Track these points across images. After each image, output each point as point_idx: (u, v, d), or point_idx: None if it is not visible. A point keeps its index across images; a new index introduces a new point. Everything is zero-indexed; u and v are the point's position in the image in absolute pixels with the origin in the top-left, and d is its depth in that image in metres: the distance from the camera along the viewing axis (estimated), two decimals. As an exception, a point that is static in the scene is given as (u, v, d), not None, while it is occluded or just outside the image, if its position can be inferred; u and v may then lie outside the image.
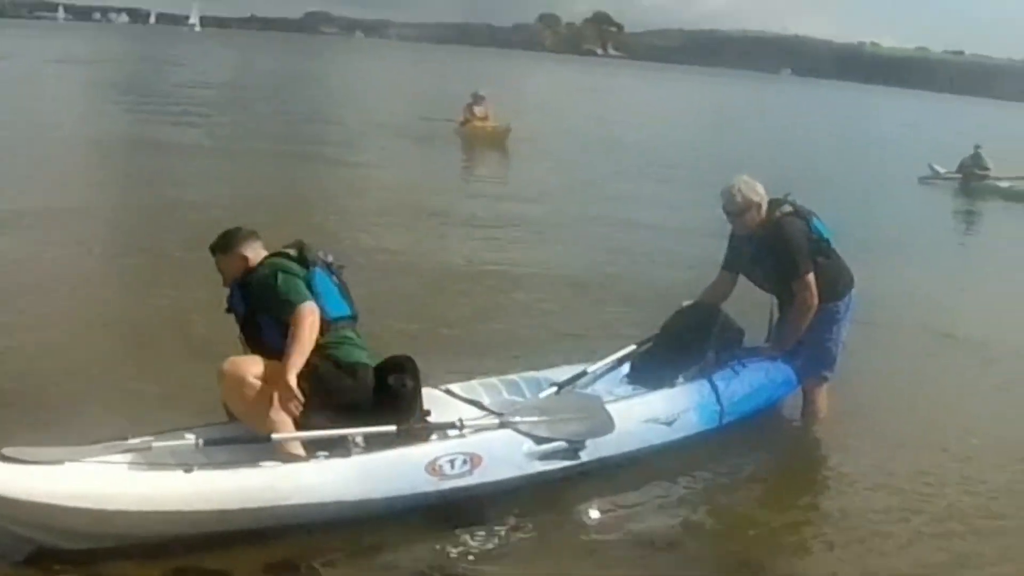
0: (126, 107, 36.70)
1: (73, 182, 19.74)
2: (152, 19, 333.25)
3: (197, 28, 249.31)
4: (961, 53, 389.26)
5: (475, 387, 8.46)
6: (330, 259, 7.63)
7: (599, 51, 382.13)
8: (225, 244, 7.50)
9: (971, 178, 32.58)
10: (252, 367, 6.92)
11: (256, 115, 37.09)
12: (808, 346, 9.10)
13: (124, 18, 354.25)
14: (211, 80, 57.09)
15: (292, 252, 7.45)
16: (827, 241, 9.08)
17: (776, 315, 9.37)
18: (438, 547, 6.68)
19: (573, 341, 10.87)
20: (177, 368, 9.07)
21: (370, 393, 7.25)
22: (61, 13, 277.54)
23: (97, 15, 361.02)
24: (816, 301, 8.87)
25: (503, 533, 6.94)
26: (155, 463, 6.44)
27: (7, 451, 6.04)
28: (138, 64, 71.57)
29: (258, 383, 6.86)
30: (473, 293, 13.41)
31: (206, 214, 14.98)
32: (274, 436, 6.75)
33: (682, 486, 7.95)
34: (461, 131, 33.83)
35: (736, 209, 8.94)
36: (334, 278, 7.54)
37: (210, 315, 7.53)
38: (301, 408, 6.85)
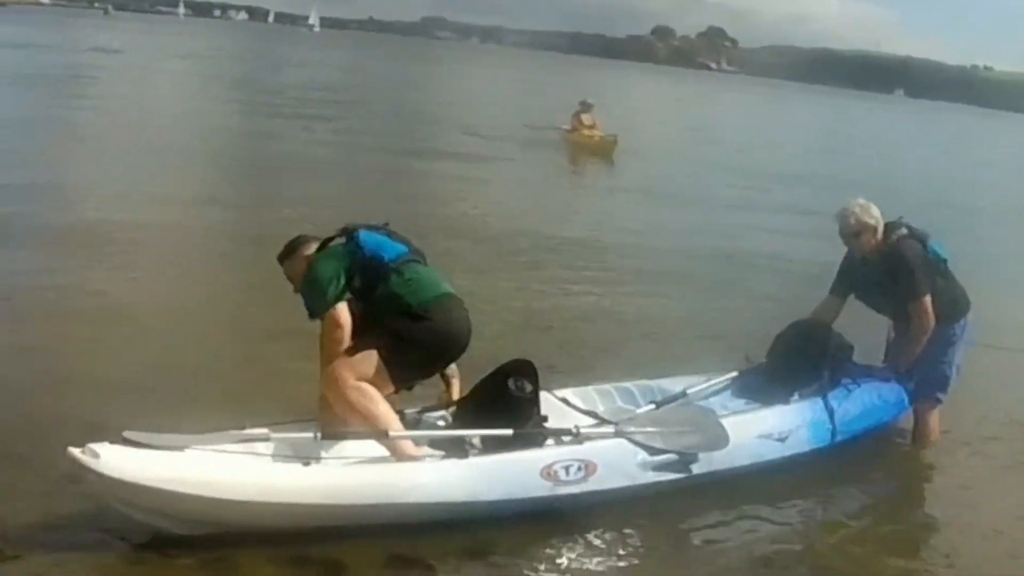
0: (242, 105, 37.33)
1: (184, 182, 20.00)
2: (271, 18, 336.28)
3: (316, 28, 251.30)
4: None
5: (590, 393, 8.49)
6: (372, 222, 7.64)
7: (712, 65, 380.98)
8: (288, 251, 7.56)
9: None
10: (349, 372, 6.94)
11: (368, 119, 37.12)
12: (922, 367, 9.09)
13: (243, 16, 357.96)
14: (328, 82, 57.46)
15: (334, 235, 7.48)
16: (944, 262, 9.09)
17: (892, 336, 9.38)
18: (550, 551, 6.77)
19: (682, 356, 10.65)
20: (290, 363, 9.27)
21: (454, 323, 7.22)
22: (182, 8, 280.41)
23: (217, 12, 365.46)
24: (933, 323, 8.85)
25: (614, 541, 6.97)
26: (274, 455, 6.60)
27: (129, 435, 6.15)
28: (257, 62, 72.37)
29: (359, 385, 6.91)
30: (579, 304, 13.47)
31: (309, 216, 15.32)
32: (391, 433, 6.80)
33: (791, 504, 7.94)
34: (568, 139, 33.49)
35: (851, 231, 8.97)
36: (380, 232, 7.53)
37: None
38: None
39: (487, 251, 15.98)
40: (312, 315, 7.15)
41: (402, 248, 7.41)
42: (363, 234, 7.37)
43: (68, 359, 9.37)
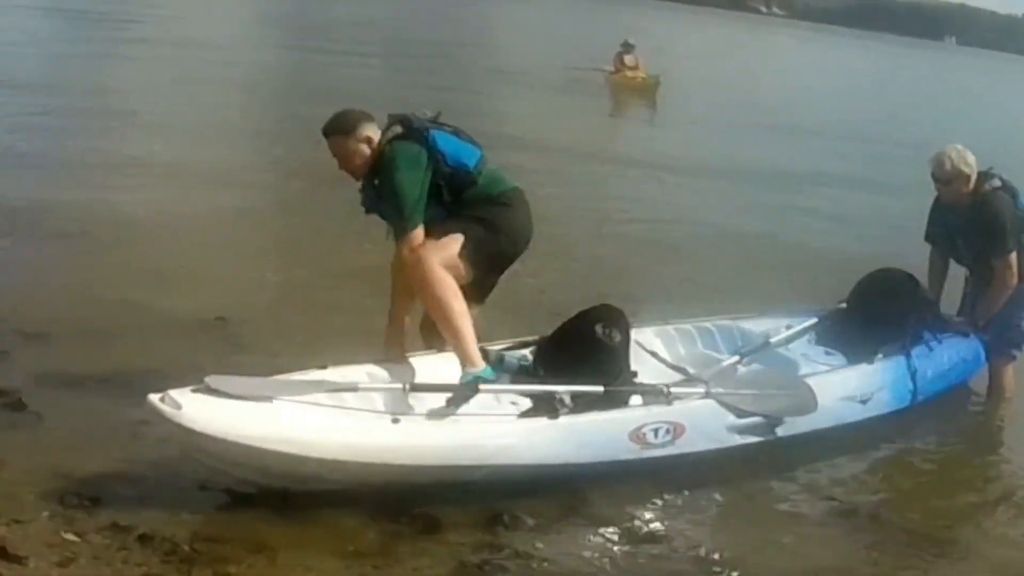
0: (283, 41, 36.88)
1: (242, 120, 19.99)
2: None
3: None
4: None
5: (670, 333, 8.41)
6: (429, 114, 7.25)
7: (763, 9, 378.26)
8: (344, 125, 7.05)
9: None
10: (434, 254, 6.78)
11: (410, 56, 36.44)
12: (999, 323, 8.95)
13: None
14: (369, 17, 56.50)
15: (400, 130, 7.03)
16: None
17: (969, 288, 9.28)
18: (642, 510, 6.64)
19: (752, 293, 10.70)
20: (362, 298, 9.07)
21: (526, 214, 7.23)
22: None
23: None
24: (1016, 281, 8.72)
25: (704, 497, 6.93)
26: (363, 409, 6.27)
27: (211, 381, 5.85)
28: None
29: (444, 276, 6.74)
30: (639, 242, 13.47)
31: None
32: (482, 387, 6.59)
33: (867, 459, 7.91)
34: (611, 80, 33.41)
35: (945, 177, 8.73)
36: (447, 129, 7.16)
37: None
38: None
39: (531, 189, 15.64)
40: (397, 222, 6.87)
41: (478, 152, 7.16)
42: (439, 139, 6.99)
43: (138, 298, 9.19)
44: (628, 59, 33.69)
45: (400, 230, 6.83)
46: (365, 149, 6.98)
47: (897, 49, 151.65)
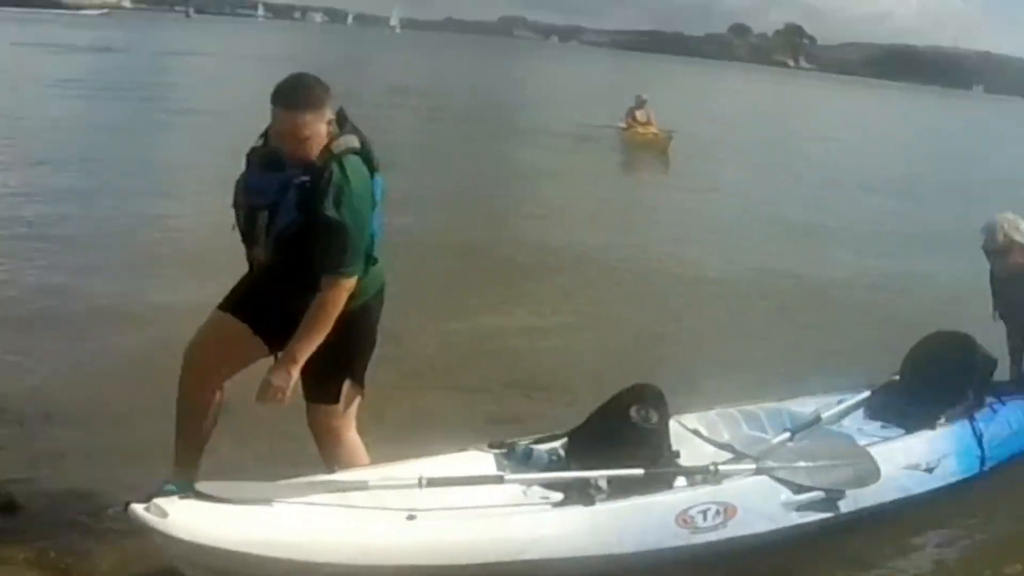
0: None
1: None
2: (350, 20, 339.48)
3: (397, 30, 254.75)
4: None
5: (713, 419, 7.79)
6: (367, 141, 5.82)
7: (790, 63, 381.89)
8: (313, 99, 5.55)
9: None
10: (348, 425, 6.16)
11: (443, 118, 37.23)
12: None
13: (321, 18, 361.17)
14: (408, 83, 56.69)
15: (357, 146, 5.66)
16: None
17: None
18: None
19: (800, 368, 10.04)
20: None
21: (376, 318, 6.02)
22: (261, 11, 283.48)
23: (297, 14, 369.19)
24: None
25: None
26: (374, 507, 5.66)
27: (202, 487, 5.28)
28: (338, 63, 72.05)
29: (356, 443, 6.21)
30: (670, 307, 13.01)
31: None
32: (506, 476, 6.16)
33: (934, 537, 7.39)
34: (623, 136, 33.34)
35: (997, 248, 8.32)
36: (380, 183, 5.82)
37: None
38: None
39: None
40: (330, 255, 5.55)
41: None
42: (379, 183, 5.77)
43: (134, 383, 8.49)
44: (639, 114, 33.48)
45: (336, 267, 5.57)
46: (320, 133, 5.57)
47: (927, 99, 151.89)
